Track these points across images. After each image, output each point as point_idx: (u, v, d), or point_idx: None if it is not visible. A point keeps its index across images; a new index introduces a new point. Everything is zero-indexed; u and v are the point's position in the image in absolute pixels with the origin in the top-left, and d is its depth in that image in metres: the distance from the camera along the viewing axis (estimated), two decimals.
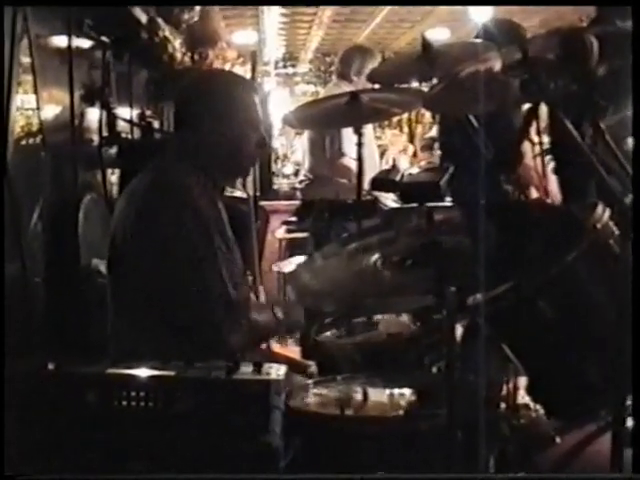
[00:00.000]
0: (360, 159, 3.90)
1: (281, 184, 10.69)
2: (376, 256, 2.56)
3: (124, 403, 2.20)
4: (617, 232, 2.30)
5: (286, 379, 2.33)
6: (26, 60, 3.20)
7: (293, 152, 12.20)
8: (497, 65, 2.62)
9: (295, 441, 2.27)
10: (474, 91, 2.42)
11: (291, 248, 6.58)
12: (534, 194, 4.03)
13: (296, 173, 10.35)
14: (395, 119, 12.00)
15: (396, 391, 2.61)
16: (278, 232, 6.79)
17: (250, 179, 4.60)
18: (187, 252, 2.92)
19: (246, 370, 2.26)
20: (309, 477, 2.27)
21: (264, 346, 3.44)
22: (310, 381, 2.59)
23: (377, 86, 4.33)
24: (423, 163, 9.30)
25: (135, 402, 2.20)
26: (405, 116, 12.03)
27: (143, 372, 2.26)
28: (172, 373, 2.24)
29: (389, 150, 10.52)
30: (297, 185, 7.85)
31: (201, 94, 3.18)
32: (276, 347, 3.58)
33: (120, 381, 2.23)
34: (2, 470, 2.11)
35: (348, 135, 5.63)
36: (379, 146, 10.07)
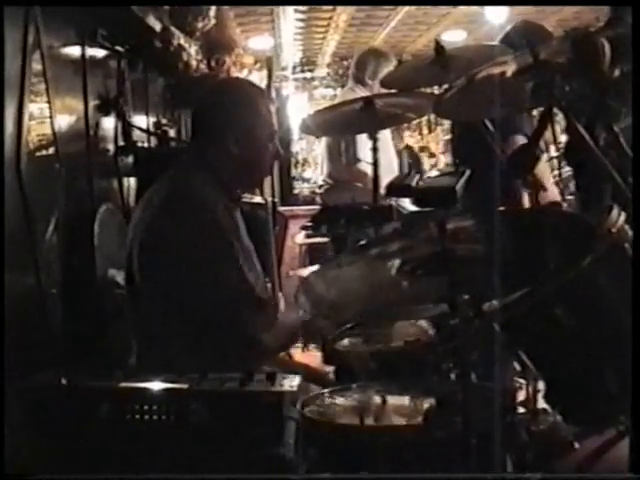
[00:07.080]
0: (375, 164, 3.89)
1: (302, 188, 10.69)
2: (393, 264, 2.54)
3: (137, 417, 2.20)
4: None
5: (301, 388, 2.33)
6: (39, 68, 3.20)
7: (314, 156, 12.20)
8: (510, 69, 2.60)
9: (310, 452, 2.25)
10: (485, 96, 2.41)
11: (311, 253, 6.56)
12: (549, 197, 3.99)
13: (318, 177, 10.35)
14: (415, 121, 11.94)
15: (413, 399, 2.59)
16: (298, 237, 6.77)
17: (268, 185, 4.58)
18: (208, 258, 2.92)
19: (259, 381, 2.26)
20: (309, 477, 2.26)
21: (284, 353, 3.42)
22: (325, 390, 2.57)
23: (392, 91, 4.30)
24: (442, 166, 9.27)
25: (148, 415, 2.19)
26: (425, 118, 11.98)
27: (156, 385, 2.25)
28: (185, 386, 2.24)
29: (406, 153, 10.48)
30: (317, 190, 7.84)
31: (218, 104, 3.19)
32: (297, 354, 3.56)
33: (133, 395, 2.23)
34: (2, 470, 2.11)
35: (362, 140, 5.62)
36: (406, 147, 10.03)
